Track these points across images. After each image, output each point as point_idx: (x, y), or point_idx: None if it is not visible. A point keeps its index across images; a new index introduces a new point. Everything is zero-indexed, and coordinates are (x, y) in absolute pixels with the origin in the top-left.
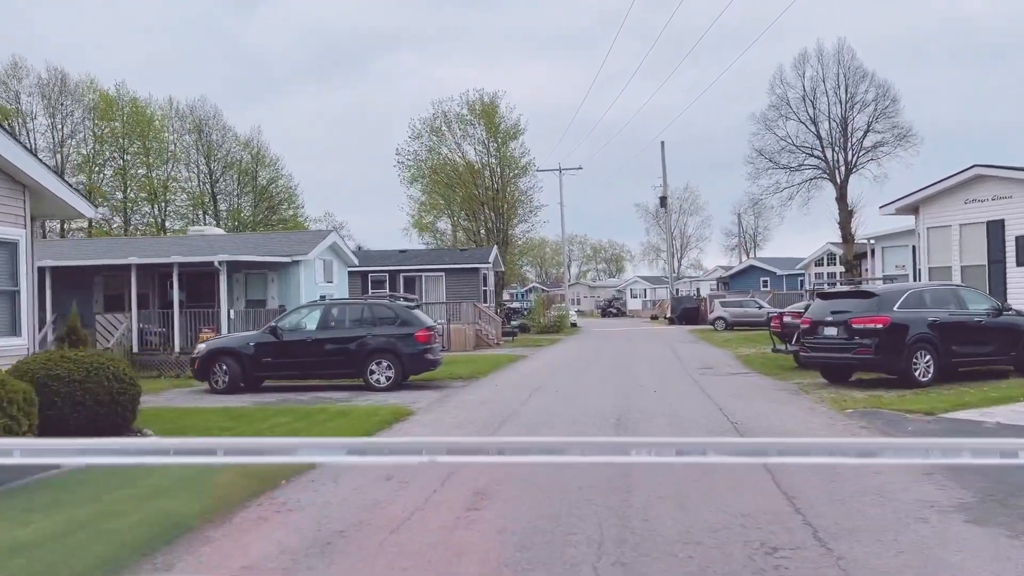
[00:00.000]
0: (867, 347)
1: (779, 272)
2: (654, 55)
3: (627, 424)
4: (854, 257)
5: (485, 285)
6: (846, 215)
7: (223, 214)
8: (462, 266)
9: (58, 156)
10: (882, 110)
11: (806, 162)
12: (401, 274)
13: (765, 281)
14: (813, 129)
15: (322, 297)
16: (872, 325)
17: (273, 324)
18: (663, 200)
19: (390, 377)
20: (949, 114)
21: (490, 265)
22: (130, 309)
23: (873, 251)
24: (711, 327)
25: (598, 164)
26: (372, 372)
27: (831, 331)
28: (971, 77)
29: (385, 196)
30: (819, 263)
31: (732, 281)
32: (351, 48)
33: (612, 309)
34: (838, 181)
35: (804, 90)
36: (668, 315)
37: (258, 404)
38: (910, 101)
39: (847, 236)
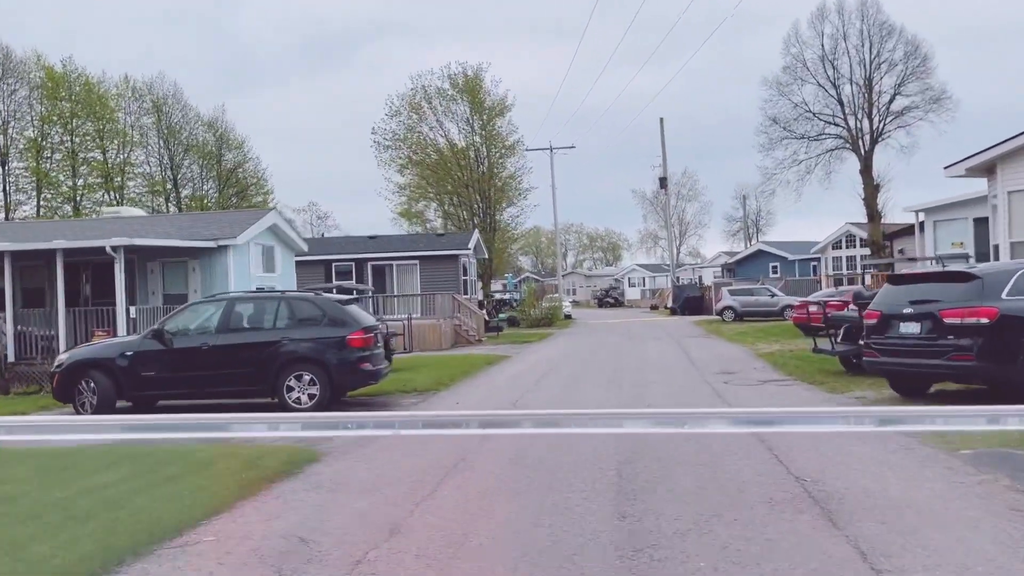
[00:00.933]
0: (966, 350)
1: (790, 257)
2: (650, 41)
3: (636, 484)
4: (883, 237)
5: (466, 274)
6: (872, 189)
7: (186, 200)
8: (439, 253)
9: (1, 139)
10: (912, 69)
11: (826, 131)
12: (369, 263)
13: (775, 267)
14: (834, 93)
15: (259, 290)
16: (973, 320)
17: (158, 327)
18: (663, 181)
19: (314, 395)
20: (990, 81)
21: (471, 252)
22: (4, 308)
23: (922, 225)
24: (718, 318)
25: (593, 151)
26: (290, 389)
27: (911, 327)
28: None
29: (375, 186)
30: (837, 246)
31: (738, 267)
32: (339, 37)
33: (609, 299)
34: (862, 151)
35: (823, 49)
36: (669, 305)
37: (115, 442)
38: (943, 60)
39: (873, 214)
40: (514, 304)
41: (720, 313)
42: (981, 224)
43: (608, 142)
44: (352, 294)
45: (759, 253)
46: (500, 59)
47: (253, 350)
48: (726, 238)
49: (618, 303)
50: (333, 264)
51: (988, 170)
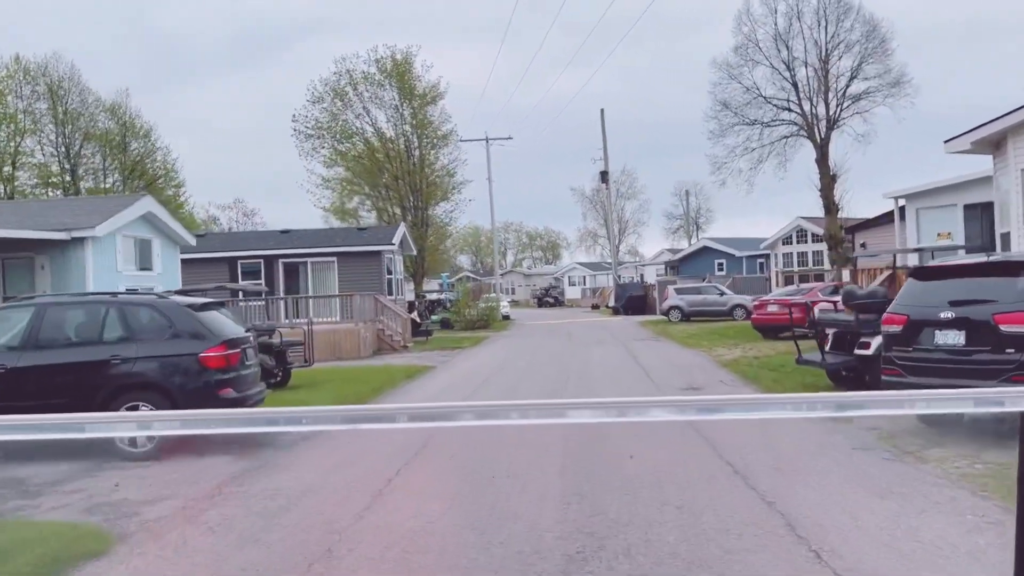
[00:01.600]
0: None
1: (737, 253)
2: (586, 42)
3: None
4: (844, 231)
5: (390, 273)
6: (828, 180)
7: (86, 193)
8: (359, 249)
9: None
10: (871, 51)
11: (780, 116)
12: (280, 260)
13: (720, 264)
14: (788, 76)
15: (131, 291)
16: None
17: None
18: (604, 175)
19: (154, 436)
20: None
21: (395, 247)
22: None
23: (903, 212)
24: (664, 318)
25: (532, 151)
26: None
27: (951, 337)
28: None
29: (301, 181)
30: (787, 241)
31: (683, 265)
32: (270, 33)
33: (549, 298)
34: (818, 139)
35: (776, 28)
36: (611, 304)
37: None
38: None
39: (830, 205)
40: (448, 305)
41: (666, 313)
42: (973, 211)
43: (547, 141)
44: (207, 295)
45: (704, 250)
46: (440, 57)
47: (72, 373)
48: (666, 235)
49: (558, 302)
50: (239, 262)
51: (996, 145)
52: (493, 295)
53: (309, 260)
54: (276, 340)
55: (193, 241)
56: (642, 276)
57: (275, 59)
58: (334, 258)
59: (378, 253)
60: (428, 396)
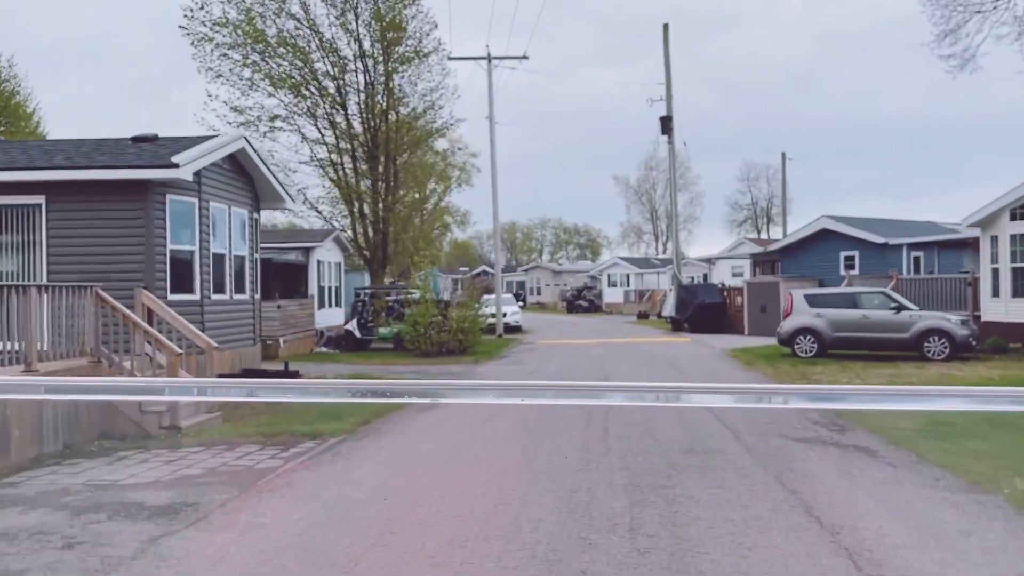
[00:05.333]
0: None
1: (892, 241)
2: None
3: None
4: None
5: (204, 239)
6: None
7: None
8: (102, 176)
9: None
10: None
11: None
12: None
13: (850, 258)
14: None
15: None
16: None
17: None
18: (666, 121)
19: None
20: None
21: (188, 181)
22: None
23: None
24: (782, 346)
25: (570, 147)
26: None
27: None
28: None
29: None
30: (1019, 215)
31: (783, 259)
32: None
33: (582, 302)
34: None
35: None
36: (667, 313)
37: None
38: None
39: None
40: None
41: (788, 339)
42: None
43: (586, 138)
44: None
45: (823, 235)
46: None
47: None
48: (730, 229)
49: (593, 307)
50: None
51: None
52: (490, 297)
53: None
54: None
55: None
56: (705, 276)
57: None
58: (40, 197)
59: (144, 186)
60: None
